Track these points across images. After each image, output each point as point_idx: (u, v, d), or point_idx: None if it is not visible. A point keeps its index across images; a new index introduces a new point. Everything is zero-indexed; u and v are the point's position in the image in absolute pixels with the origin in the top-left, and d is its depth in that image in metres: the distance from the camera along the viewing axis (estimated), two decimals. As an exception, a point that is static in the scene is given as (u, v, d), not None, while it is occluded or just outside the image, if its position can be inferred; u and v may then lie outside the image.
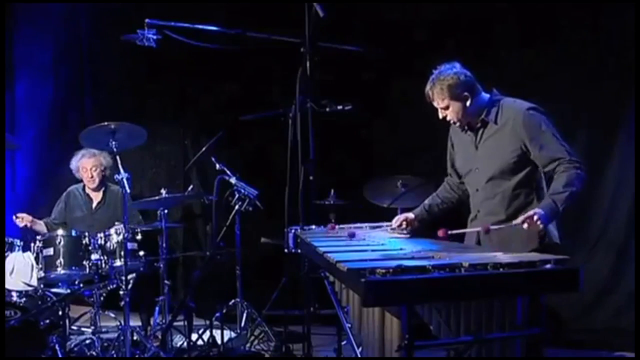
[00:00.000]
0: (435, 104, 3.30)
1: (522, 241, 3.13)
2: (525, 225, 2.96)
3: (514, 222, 3.03)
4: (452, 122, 3.35)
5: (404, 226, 3.49)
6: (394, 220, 3.53)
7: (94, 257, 4.69)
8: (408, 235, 3.44)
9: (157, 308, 5.00)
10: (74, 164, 5.34)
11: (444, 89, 3.22)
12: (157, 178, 6.62)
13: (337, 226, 3.67)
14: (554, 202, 3.04)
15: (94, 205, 5.37)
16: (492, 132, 3.28)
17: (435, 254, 2.48)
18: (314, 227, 3.72)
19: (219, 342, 4.66)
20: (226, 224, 4.78)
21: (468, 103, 3.24)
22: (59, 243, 4.64)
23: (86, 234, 4.74)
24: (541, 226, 2.97)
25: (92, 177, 5.29)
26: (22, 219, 5.15)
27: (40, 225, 5.26)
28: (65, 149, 5.80)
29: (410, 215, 3.53)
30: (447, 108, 3.27)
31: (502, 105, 3.28)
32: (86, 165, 5.29)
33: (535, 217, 2.94)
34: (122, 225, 4.63)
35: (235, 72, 6.18)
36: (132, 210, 5.06)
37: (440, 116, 3.34)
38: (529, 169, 3.23)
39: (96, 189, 5.36)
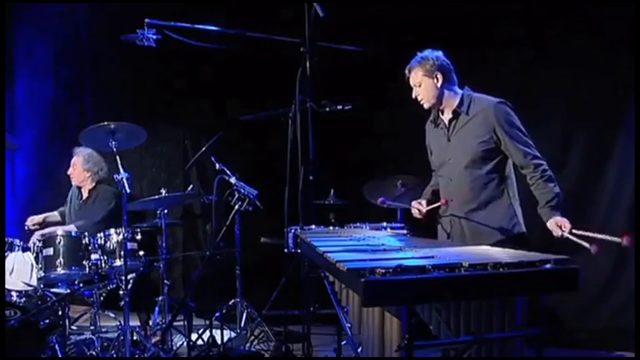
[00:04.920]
0: (410, 81, 3.54)
1: (491, 232, 3.35)
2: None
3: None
4: (422, 103, 3.54)
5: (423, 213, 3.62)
6: (416, 212, 3.64)
7: (93, 257, 4.69)
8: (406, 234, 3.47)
9: (156, 308, 5.00)
10: None
11: (421, 66, 3.48)
12: (157, 178, 6.63)
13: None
14: (554, 207, 3.27)
15: (82, 200, 5.39)
16: (464, 123, 3.46)
17: (435, 254, 2.47)
18: (313, 227, 3.73)
19: (219, 342, 4.66)
20: (226, 224, 4.77)
21: (439, 84, 3.46)
22: (59, 243, 4.64)
23: (86, 233, 4.74)
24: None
25: (70, 172, 5.36)
26: (32, 220, 5.18)
27: (54, 216, 5.31)
28: (65, 148, 5.80)
29: (423, 202, 3.65)
30: (419, 85, 3.50)
31: (474, 98, 3.49)
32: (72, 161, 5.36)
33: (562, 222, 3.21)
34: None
35: (235, 72, 6.18)
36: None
37: (413, 95, 3.55)
38: (499, 158, 3.40)
39: (80, 186, 5.37)
